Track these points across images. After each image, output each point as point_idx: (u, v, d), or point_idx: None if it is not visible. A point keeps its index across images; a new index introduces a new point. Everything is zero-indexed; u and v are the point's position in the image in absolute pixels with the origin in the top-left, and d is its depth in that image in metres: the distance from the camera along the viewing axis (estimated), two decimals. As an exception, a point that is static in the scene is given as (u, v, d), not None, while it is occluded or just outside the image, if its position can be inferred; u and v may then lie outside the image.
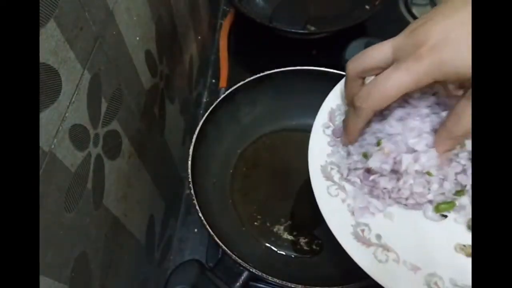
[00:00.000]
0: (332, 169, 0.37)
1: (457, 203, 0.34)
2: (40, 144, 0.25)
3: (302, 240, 0.50)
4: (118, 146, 0.39)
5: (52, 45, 0.26)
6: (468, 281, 0.30)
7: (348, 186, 0.36)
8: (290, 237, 0.51)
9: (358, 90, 0.33)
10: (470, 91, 0.27)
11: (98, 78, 0.33)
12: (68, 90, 0.28)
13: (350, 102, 0.34)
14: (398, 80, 0.29)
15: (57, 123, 0.27)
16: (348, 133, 0.35)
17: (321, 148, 0.38)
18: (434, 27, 0.28)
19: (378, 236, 0.33)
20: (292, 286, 0.39)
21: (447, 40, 0.27)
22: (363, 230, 0.33)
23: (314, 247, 0.50)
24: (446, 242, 0.33)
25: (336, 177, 0.37)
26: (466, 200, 0.35)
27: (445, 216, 0.35)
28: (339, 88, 0.41)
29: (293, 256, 0.49)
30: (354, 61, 0.33)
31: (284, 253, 0.49)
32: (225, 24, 0.76)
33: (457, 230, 0.34)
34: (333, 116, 0.40)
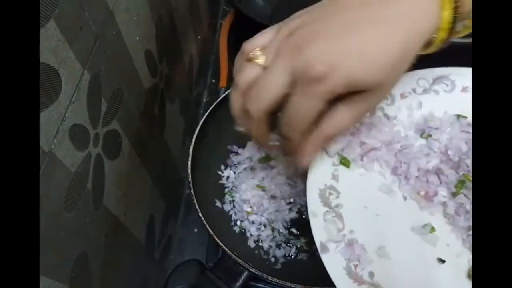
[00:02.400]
0: (331, 194, 0.36)
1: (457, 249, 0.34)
2: (40, 144, 0.25)
3: (302, 240, 0.50)
4: (118, 146, 0.39)
5: (52, 45, 0.26)
6: None
7: (345, 215, 0.35)
8: (290, 237, 0.51)
9: (267, 128, 0.32)
10: (350, 98, 0.29)
11: (98, 78, 0.33)
12: (68, 90, 0.28)
13: (261, 143, 0.34)
14: (310, 104, 0.28)
15: (57, 123, 0.27)
16: (259, 141, 0.35)
17: (322, 169, 0.37)
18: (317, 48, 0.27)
19: (371, 274, 0.32)
20: (292, 286, 0.39)
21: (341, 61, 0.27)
22: (356, 266, 0.32)
23: (314, 247, 0.50)
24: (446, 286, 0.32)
25: (334, 202, 0.35)
26: (464, 248, 0.34)
27: (443, 261, 0.34)
28: None
29: (293, 256, 0.49)
30: (253, 102, 0.31)
31: (284, 253, 0.49)
32: (225, 24, 0.76)
33: (455, 278, 0.33)
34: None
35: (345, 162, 0.37)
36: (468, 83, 0.40)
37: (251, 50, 0.32)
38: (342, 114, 0.30)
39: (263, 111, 0.30)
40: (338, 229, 0.34)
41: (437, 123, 0.39)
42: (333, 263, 0.32)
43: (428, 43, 0.29)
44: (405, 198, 0.37)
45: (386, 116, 0.40)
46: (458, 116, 0.40)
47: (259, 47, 0.31)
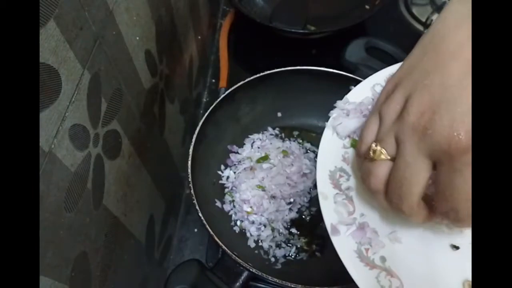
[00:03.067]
0: (341, 176, 0.35)
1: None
2: (40, 144, 0.25)
3: (302, 240, 0.50)
4: (118, 146, 0.39)
5: (52, 45, 0.26)
6: None
7: (356, 198, 0.34)
8: (290, 237, 0.51)
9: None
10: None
11: (98, 78, 0.33)
12: (68, 90, 0.28)
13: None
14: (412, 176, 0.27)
15: (57, 123, 0.27)
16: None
17: (332, 151, 0.36)
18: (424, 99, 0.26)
19: (383, 259, 0.31)
20: (292, 286, 0.39)
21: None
22: (367, 249, 0.31)
23: (314, 247, 0.50)
24: (455, 276, 0.31)
25: (345, 185, 0.34)
26: None
27: (457, 248, 0.32)
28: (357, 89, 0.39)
29: (293, 256, 0.49)
30: (360, 142, 0.30)
31: (284, 253, 0.49)
32: (225, 24, 0.76)
33: (468, 265, 0.31)
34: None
35: (355, 144, 0.36)
36: None
37: (365, 150, 0.30)
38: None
39: (415, 203, 0.28)
40: (349, 212, 0.33)
41: None
42: (344, 246, 0.31)
43: None
44: None
45: None
46: None
47: (371, 143, 0.30)
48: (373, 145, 0.29)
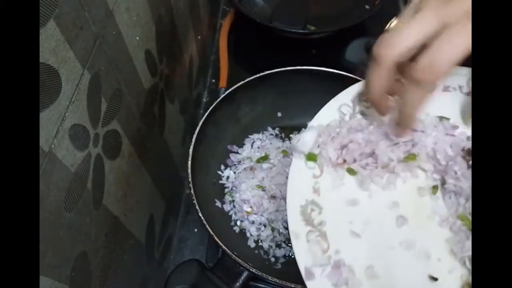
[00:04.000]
0: (313, 210, 0.33)
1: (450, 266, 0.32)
2: (40, 144, 0.25)
3: (302, 240, 0.50)
4: (118, 146, 0.39)
5: (52, 45, 0.26)
6: None
7: (329, 233, 0.32)
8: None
9: (390, 83, 0.31)
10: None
11: (98, 78, 0.33)
12: (68, 90, 0.28)
13: (376, 99, 0.32)
14: (461, 44, 0.27)
15: (57, 123, 0.27)
16: (409, 113, 0.32)
17: (302, 182, 0.34)
18: None
19: None
20: (292, 286, 0.39)
21: None
22: None
23: (314, 247, 0.50)
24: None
25: (317, 220, 0.33)
26: (456, 263, 0.32)
27: (436, 279, 0.32)
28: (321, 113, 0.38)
29: (293, 256, 0.49)
30: (387, 46, 0.30)
31: (284, 253, 0.49)
32: (225, 24, 0.76)
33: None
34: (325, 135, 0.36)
35: (314, 158, 0.35)
36: (450, 82, 0.38)
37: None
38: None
39: (395, 54, 0.29)
40: (323, 250, 0.32)
41: (420, 126, 0.36)
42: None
43: None
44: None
45: (366, 119, 0.37)
46: (441, 118, 0.37)
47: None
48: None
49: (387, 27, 0.31)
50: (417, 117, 0.32)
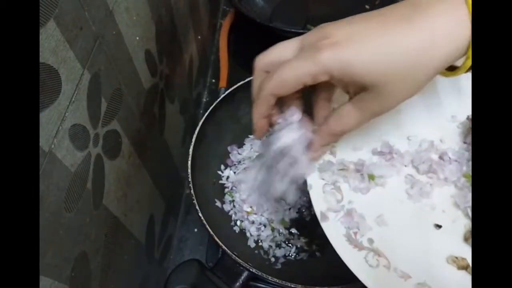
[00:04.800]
0: (329, 167, 0.37)
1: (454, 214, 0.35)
2: (40, 144, 0.25)
3: (302, 240, 0.50)
4: (118, 146, 0.39)
5: (52, 45, 0.26)
6: None
7: (343, 186, 0.36)
8: (290, 237, 0.51)
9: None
10: (356, 98, 0.30)
11: (98, 78, 0.33)
12: (68, 90, 0.28)
13: (255, 95, 0.35)
14: (297, 67, 0.30)
15: (57, 123, 0.27)
16: (254, 122, 0.35)
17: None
18: (341, 26, 0.30)
19: (370, 240, 0.33)
20: (292, 286, 0.39)
21: (350, 40, 0.28)
22: (355, 233, 0.33)
23: (314, 247, 0.50)
24: (439, 253, 0.33)
25: (332, 177, 0.36)
26: (459, 213, 0.35)
27: (440, 227, 0.35)
28: None
29: (293, 256, 0.49)
30: (262, 55, 0.33)
31: (284, 253, 0.49)
32: (225, 24, 0.76)
33: (451, 242, 0.34)
34: None
35: None
36: None
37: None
38: (348, 113, 0.31)
39: (275, 95, 0.31)
40: (337, 200, 0.35)
41: None
42: (333, 230, 0.33)
43: (453, 68, 0.30)
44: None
45: None
46: None
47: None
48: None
49: None
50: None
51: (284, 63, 0.30)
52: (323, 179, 0.36)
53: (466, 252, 0.33)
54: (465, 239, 0.34)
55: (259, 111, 0.33)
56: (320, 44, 0.29)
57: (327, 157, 0.37)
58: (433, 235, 0.34)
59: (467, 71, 0.29)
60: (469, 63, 0.28)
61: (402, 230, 0.34)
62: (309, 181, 0.35)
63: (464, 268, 0.32)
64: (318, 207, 0.34)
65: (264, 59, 0.33)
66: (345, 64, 0.28)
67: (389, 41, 0.27)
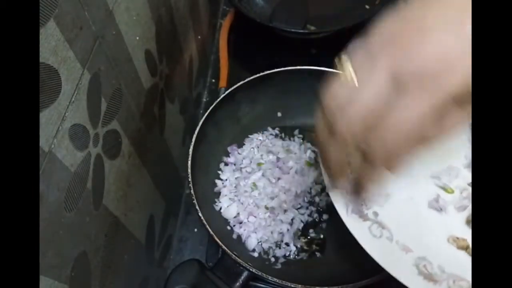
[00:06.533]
0: None
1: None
2: (40, 144, 0.25)
3: (302, 240, 0.50)
4: (118, 146, 0.39)
5: (52, 44, 0.26)
6: (455, 270, 0.32)
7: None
8: (290, 237, 0.50)
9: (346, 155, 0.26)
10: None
11: (98, 78, 0.33)
12: (68, 90, 0.28)
13: (337, 172, 0.28)
14: (417, 112, 0.22)
15: (57, 123, 0.27)
16: (329, 167, 0.28)
17: None
18: (429, 46, 0.22)
19: (375, 213, 0.34)
20: (292, 286, 0.39)
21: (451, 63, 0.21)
22: (361, 204, 0.34)
23: (314, 247, 0.50)
24: (441, 231, 0.35)
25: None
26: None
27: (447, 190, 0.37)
28: None
29: (293, 256, 0.49)
30: (344, 119, 0.24)
31: (284, 253, 0.49)
32: (225, 24, 0.76)
33: (454, 223, 0.35)
34: None
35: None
36: None
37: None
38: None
39: (355, 126, 0.24)
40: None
41: None
42: (340, 200, 0.34)
43: None
44: None
45: None
46: None
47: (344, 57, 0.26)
48: (343, 55, 0.26)
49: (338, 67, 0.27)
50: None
51: (356, 89, 0.23)
52: None
53: (467, 234, 0.34)
54: (467, 222, 0.35)
55: (341, 157, 0.26)
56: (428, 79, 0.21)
57: None
58: (436, 214, 0.35)
59: None
60: None
61: (407, 206, 0.35)
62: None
63: (464, 248, 0.34)
64: (327, 178, 0.34)
65: (356, 122, 0.24)
66: (469, 80, 0.21)
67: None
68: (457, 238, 0.34)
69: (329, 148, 0.26)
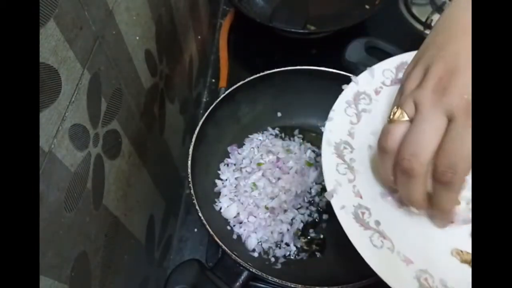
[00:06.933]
0: (345, 148, 0.37)
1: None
2: (40, 144, 0.25)
3: (302, 240, 0.50)
4: (118, 146, 0.39)
5: (52, 44, 0.26)
6: (457, 285, 0.31)
7: (358, 167, 0.36)
8: (290, 237, 0.50)
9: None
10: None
11: (98, 78, 0.33)
12: (68, 90, 0.28)
13: (423, 206, 0.32)
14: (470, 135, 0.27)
15: (57, 123, 0.27)
16: (445, 212, 0.32)
17: (340, 126, 0.38)
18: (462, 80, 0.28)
19: (377, 222, 0.33)
20: (292, 286, 0.39)
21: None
22: (363, 213, 0.33)
23: (314, 247, 0.50)
24: (444, 244, 0.33)
25: (348, 157, 0.36)
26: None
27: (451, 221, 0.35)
28: (364, 74, 0.41)
29: (293, 256, 0.49)
30: (415, 157, 0.29)
31: (284, 253, 0.49)
32: (225, 24, 0.76)
33: (458, 236, 0.34)
34: (357, 98, 0.40)
35: None
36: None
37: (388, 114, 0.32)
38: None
39: (426, 162, 0.28)
40: (349, 179, 0.35)
41: None
42: (341, 207, 0.33)
43: None
44: None
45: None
46: None
47: (395, 110, 0.31)
48: (394, 108, 0.31)
49: (390, 116, 0.32)
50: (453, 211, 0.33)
51: (415, 131, 0.29)
52: (337, 157, 0.36)
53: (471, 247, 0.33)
54: (470, 236, 0.34)
55: (422, 190, 0.30)
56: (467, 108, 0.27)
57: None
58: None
59: None
60: None
61: (411, 217, 0.34)
62: (323, 157, 0.36)
63: (468, 262, 0.33)
64: (330, 182, 0.34)
65: (424, 157, 0.29)
66: None
67: None
68: (461, 251, 0.33)
69: (406, 185, 0.30)
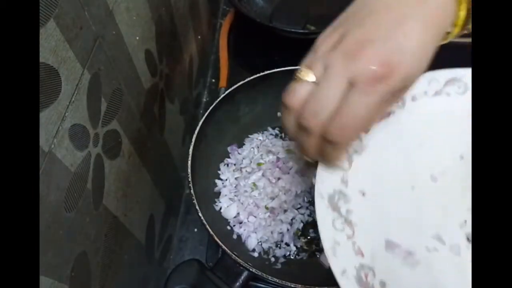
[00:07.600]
0: (339, 199, 0.34)
1: None
2: (40, 144, 0.25)
3: (302, 240, 0.50)
4: (118, 146, 0.39)
5: (52, 44, 0.26)
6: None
7: (356, 219, 0.33)
8: (290, 237, 0.50)
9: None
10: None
11: (98, 78, 0.33)
12: (67, 90, 0.28)
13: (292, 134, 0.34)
14: (369, 103, 0.28)
15: (57, 123, 0.27)
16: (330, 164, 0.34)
17: (331, 174, 0.35)
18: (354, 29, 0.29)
19: (383, 284, 0.30)
20: (292, 286, 0.39)
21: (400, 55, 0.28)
22: (366, 275, 0.31)
23: (314, 247, 0.50)
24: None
25: (344, 209, 0.33)
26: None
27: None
28: None
29: (293, 256, 0.49)
30: (314, 116, 0.30)
31: (284, 253, 0.49)
32: (225, 24, 0.76)
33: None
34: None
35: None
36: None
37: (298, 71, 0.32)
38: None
39: (322, 122, 0.30)
40: (348, 235, 0.32)
41: None
42: (343, 268, 0.31)
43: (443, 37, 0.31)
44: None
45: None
46: None
47: (304, 68, 0.31)
48: (303, 67, 0.31)
49: (297, 74, 0.32)
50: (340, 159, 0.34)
51: (318, 92, 0.30)
52: (333, 210, 0.34)
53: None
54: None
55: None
56: (377, 75, 0.28)
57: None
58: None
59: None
60: (456, 31, 0.31)
61: (419, 277, 0.32)
62: (317, 213, 0.33)
63: None
64: (327, 242, 0.32)
65: (294, 100, 0.32)
66: (407, 78, 0.28)
67: (421, 34, 0.28)
68: None
69: (303, 139, 0.32)
